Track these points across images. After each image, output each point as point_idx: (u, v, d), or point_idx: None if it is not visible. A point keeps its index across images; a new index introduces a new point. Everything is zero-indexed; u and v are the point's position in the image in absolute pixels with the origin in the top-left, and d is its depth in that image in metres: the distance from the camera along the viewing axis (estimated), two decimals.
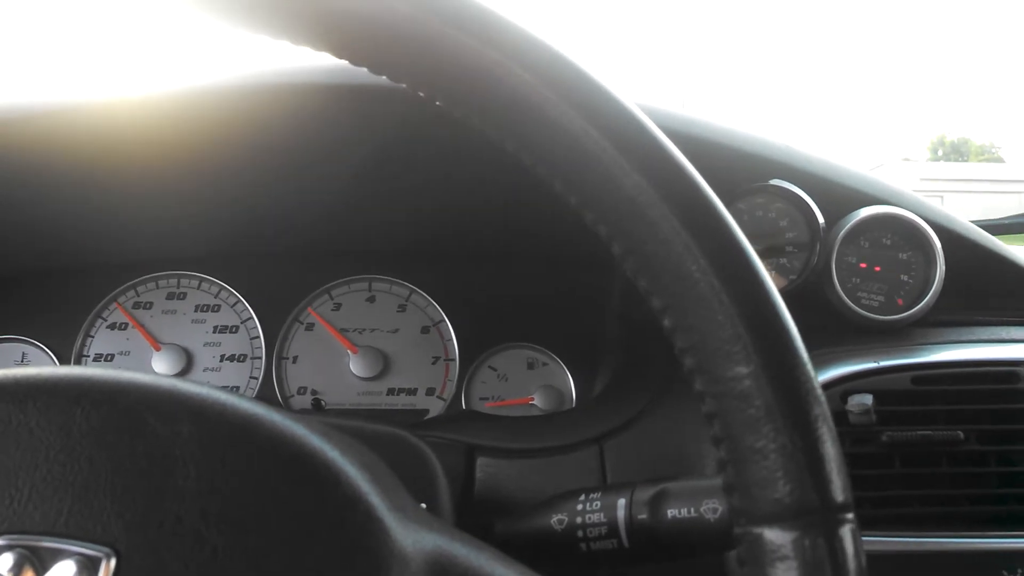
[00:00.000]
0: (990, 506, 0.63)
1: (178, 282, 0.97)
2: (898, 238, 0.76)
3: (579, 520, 0.49)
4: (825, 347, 0.70)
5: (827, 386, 0.65)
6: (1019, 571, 0.59)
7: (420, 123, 0.71)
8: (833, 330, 0.74)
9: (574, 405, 0.92)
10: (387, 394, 0.94)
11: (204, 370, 0.94)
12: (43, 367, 0.35)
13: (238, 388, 0.94)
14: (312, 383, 0.94)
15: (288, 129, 0.73)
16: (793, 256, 0.76)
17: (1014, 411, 0.65)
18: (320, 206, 0.88)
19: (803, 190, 0.74)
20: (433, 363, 0.94)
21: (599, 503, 0.49)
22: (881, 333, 0.74)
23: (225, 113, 0.70)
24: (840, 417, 0.63)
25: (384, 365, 0.93)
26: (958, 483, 0.64)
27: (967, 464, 0.64)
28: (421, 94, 0.32)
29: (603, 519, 0.48)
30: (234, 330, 0.95)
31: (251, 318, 0.95)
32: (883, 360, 0.67)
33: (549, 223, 0.83)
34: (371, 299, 0.96)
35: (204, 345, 0.95)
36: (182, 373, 0.93)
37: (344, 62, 0.32)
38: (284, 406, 0.92)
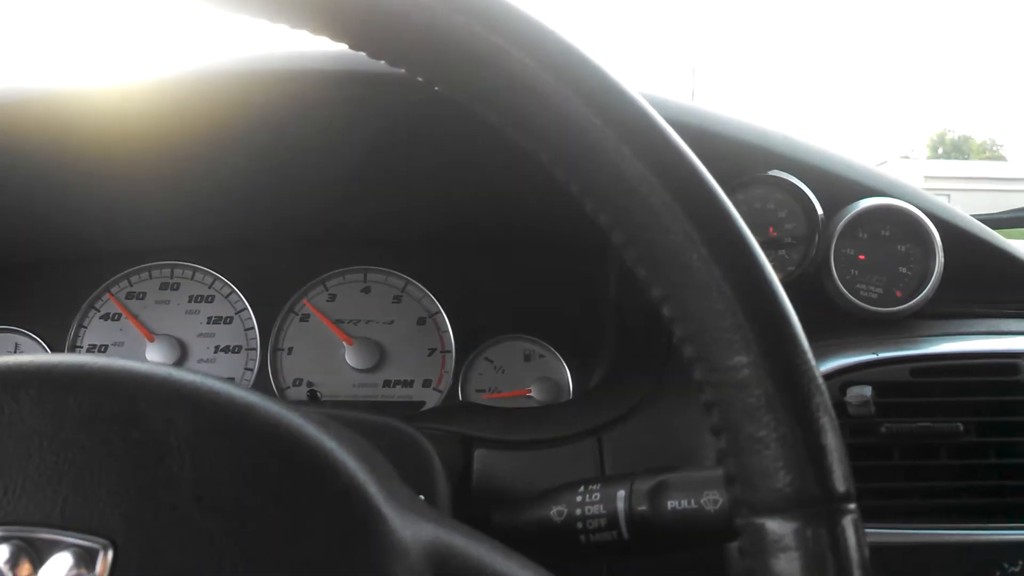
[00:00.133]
0: (989, 498, 0.63)
1: (171, 272, 0.96)
2: (897, 230, 0.76)
3: (579, 512, 0.49)
4: (824, 339, 0.69)
5: (826, 378, 0.65)
6: (1020, 563, 0.59)
7: (416, 112, 0.70)
8: (832, 322, 0.74)
9: (571, 397, 0.92)
10: (383, 386, 0.93)
11: (199, 361, 0.94)
12: (36, 355, 0.35)
13: (233, 379, 0.93)
14: (308, 375, 0.94)
15: (283, 117, 0.72)
16: (792, 248, 0.76)
17: (1013, 403, 0.65)
18: (315, 196, 0.88)
19: (802, 181, 0.73)
20: (429, 355, 0.94)
21: (599, 494, 0.49)
22: (880, 325, 0.74)
23: (219, 100, 0.69)
24: (839, 409, 0.63)
25: (380, 357, 0.93)
26: (957, 475, 0.64)
27: (966, 456, 0.64)
28: (420, 79, 0.32)
29: (603, 510, 0.48)
30: (228, 321, 0.95)
31: (245, 309, 0.95)
32: (882, 352, 0.67)
33: (546, 214, 0.83)
34: (366, 290, 0.96)
35: (198, 336, 0.94)
36: (176, 364, 0.93)
37: (341, 47, 0.31)
38: (280, 398, 0.92)
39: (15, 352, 0.92)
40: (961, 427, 0.63)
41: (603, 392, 0.83)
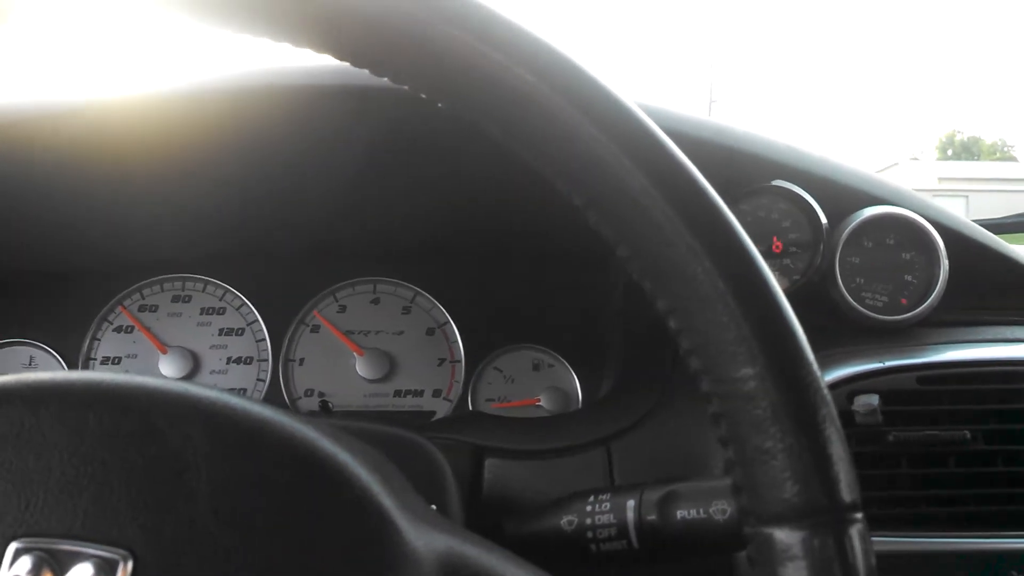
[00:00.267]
0: (997, 506, 0.63)
1: (183, 285, 0.97)
2: (901, 238, 0.76)
3: (589, 521, 0.49)
4: (830, 348, 0.70)
5: (833, 386, 0.65)
6: None
7: (422, 124, 0.71)
8: (837, 331, 0.74)
9: (580, 406, 0.92)
10: (394, 396, 0.94)
11: (211, 372, 0.95)
12: (55, 372, 0.35)
13: (245, 390, 0.94)
14: (319, 385, 0.94)
15: (291, 130, 0.73)
16: (796, 257, 0.76)
17: (1020, 411, 0.65)
18: (324, 208, 0.89)
19: (806, 191, 0.74)
20: (439, 365, 0.95)
21: (608, 504, 0.49)
22: (885, 333, 0.74)
23: (228, 114, 0.70)
24: (846, 417, 0.63)
25: (390, 367, 0.94)
26: (965, 483, 0.64)
27: (974, 464, 0.64)
28: (423, 96, 0.32)
29: (613, 520, 0.49)
30: (240, 332, 0.96)
31: (256, 320, 0.95)
32: (889, 360, 0.67)
33: (553, 224, 0.83)
34: (376, 301, 0.97)
35: (210, 348, 0.95)
36: (189, 376, 0.94)
37: (344, 63, 0.32)
38: (291, 408, 0.93)
39: (30, 364, 0.93)
40: (968, 435, 0.63)
41: (612, 402, 0.84)
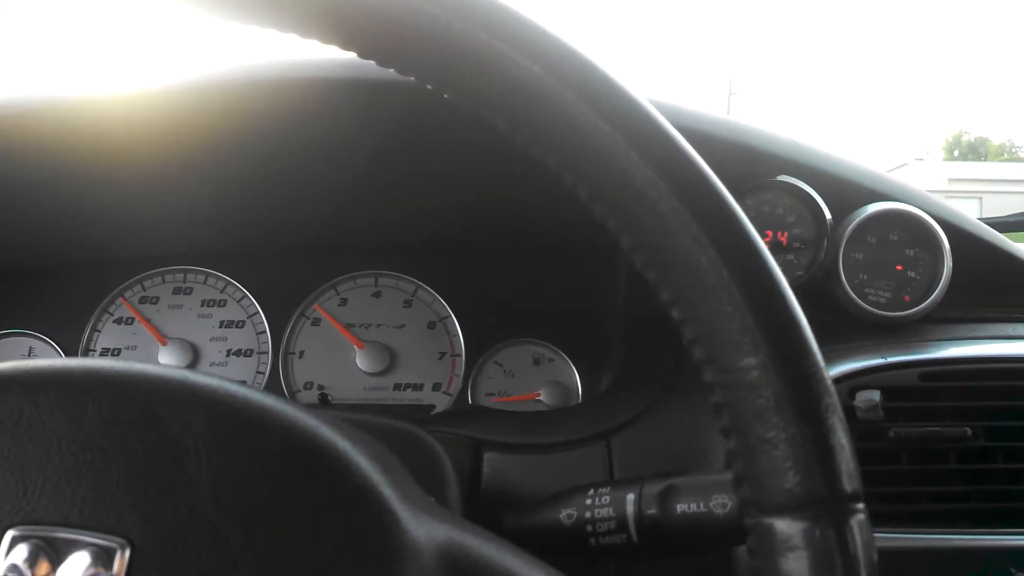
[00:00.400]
0: (997, 502, 0.63)
1: (184, 277, 0.97)
2: (905, 234, 0.76)
3: (588, 515, 0.49)
4: (832, 343, 0.70)
5: (835, 382, 0.64)
6: None
7: (426, 117, 0.71)
8: (840, 326, 0.74)
9: (580, 401, 0.92)
10: (393, 389, 0.94)
11: (211, 364, 0.95)
12: (54, 359, 0.35)
13: (245, 383, 0.94)
14: (319, 378, 0.94)
15: (293, 123, 0.73)
16: (800, 252, 0.76)
17: (1022, 408, 0.65)
18: (326, 201, 0.89)
19: (810, 186, 0.74)
20: (439, 359, 0.95)
21: (608, 498, 0.49)
22: (888, 329, 0.74)
23: (231, 107, 0.70)
24: (848, 413, 0.62)
25: (390, 361, 0.94)
26: (965, 479, 0.64)
27: (975, 461, 0.64)
28: (429, 87, 0.32)
29: (612, 514, 0.48)
30: (240, 325, 0.96)
31: (257, 313, 0.95)
32: (891, 356, 0.67)
33: (555, 218, 0.83)
34: (377, 294, 0.96)
35: (210, 340, 0.95)
36: (189, 368, 0.93)
37: (350, 55, 0.32)
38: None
39: (29, 355, 0.93)
40: (969, 432, 0.63)
41: (612, 396, 0.83)
